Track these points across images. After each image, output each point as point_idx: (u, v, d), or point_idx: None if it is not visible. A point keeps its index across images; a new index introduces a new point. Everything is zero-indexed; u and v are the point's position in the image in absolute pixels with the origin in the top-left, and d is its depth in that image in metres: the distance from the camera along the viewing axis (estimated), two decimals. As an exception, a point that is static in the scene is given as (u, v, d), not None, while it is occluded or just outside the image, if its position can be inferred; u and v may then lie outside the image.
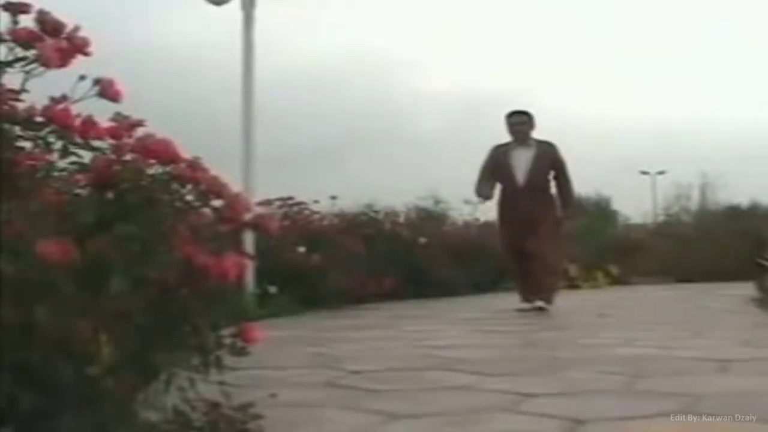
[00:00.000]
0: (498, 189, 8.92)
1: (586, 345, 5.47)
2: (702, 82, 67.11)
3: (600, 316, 8.08)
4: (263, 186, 9.48)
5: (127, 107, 2.16)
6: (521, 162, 8.68)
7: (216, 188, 1.93)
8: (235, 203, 1.94)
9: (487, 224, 13.86)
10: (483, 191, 8.92)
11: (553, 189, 8.90)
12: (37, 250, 1.57)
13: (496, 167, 8.83)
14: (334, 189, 12.63)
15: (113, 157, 1.98)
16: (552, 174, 8.82)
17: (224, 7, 9.15)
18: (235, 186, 2.30)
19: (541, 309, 8.32)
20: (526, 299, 8.56)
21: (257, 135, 8.98)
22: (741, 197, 30.99)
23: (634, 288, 15.17)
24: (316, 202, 11.31)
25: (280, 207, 10.79)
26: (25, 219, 1.71)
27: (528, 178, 8.65)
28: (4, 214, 1.67)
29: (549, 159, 8.78)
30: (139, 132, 2.08)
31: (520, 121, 8.85)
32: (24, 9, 1.98)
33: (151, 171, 1.98)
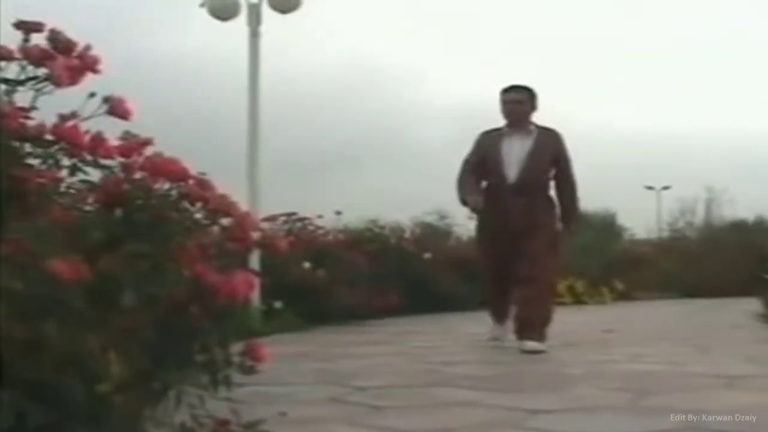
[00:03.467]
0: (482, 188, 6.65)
1: (592, 361, 5.47)
2: (704, 93, 66.86)
3: (606, 332, 8.08)
4: (268, 198, 9.50)
5: (134, 121, 2.17)
6: (515, 153, 6.47)
7: (225, 207, 1.95)
8: (243, 222, 1.95)
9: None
10: (468, 195, 6.51)
11: (553, 192, 6.70)
12: (47, 268, 1.58)
13: (482, 159, 6.62)
14: (339, 202, 12.67)
15: (123, 175, 2.00)
16: (552, 173, 6.64)
17: (230, 22, 9.21)
18: (241, 199, 2.31)
19: (535, 352, 6.00)
20: (501, 322, 6.74)
21: (262, 149, 9.02)
22: (747, 212, 30.97)
23: (640, 303, 15.15)
24: (320, 217, 11.37)
25: (285, 223, 10.84)
26: (34, 236, 1.72)
27: (521, 175, 6.42)
28: (13, 232, 1.69)
29: (551, 152, 6.57)
30: (148, 150, 2.09)
31: (516, 99, 6.58)
32: (37, 28, 2.00)
33: (160, 188, 2.00)
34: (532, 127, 6.57)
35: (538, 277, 6.27)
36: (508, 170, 6.44)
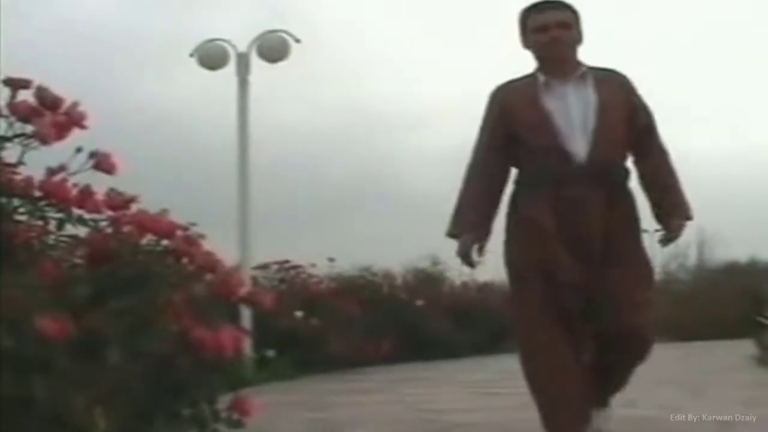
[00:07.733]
0: (515, 179, 3.75)
1: (586, 407, 5.42)
2: (697, 125, 66.37)
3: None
4: (260, 246, 9.51)
5: (122, 172, 2.17)
6: (576, 113, 3.61)
7: (210, 264, 1.95)
8: (229, 279, 1.95)
9: (486, 285, 13.84)
10: (462, 231, 3.71)
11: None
12: (34, 325, 1.58)
13: (515, 133, 3.67)
14: (333, 249, 12.66)
15: (109, 230, 2.00)
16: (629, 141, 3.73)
17: (220, 71, 9.28)
18: (232, 248, 2.31)
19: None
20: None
21: (253, 197, 9.05)
22: (740, 251, 31.00)
23: (634, 347, 15.09)
24: (312, 265, 11.36)
25: (277, 271, 10.84)
26: (23, 292, 1.71)
27: (597, 149, 3.56)
28: (3, 288, 1.68)
29: (626, 105, 3.70)
30: (134, 207, 2.09)
31: (562, 20, 3.67)
32: (24, 85, 2.01)
33: (146, 243, 2.00)
34: (584, 69, 3.69)
35: (643, 330, 3.64)
36: (571, 144, 3.57)
